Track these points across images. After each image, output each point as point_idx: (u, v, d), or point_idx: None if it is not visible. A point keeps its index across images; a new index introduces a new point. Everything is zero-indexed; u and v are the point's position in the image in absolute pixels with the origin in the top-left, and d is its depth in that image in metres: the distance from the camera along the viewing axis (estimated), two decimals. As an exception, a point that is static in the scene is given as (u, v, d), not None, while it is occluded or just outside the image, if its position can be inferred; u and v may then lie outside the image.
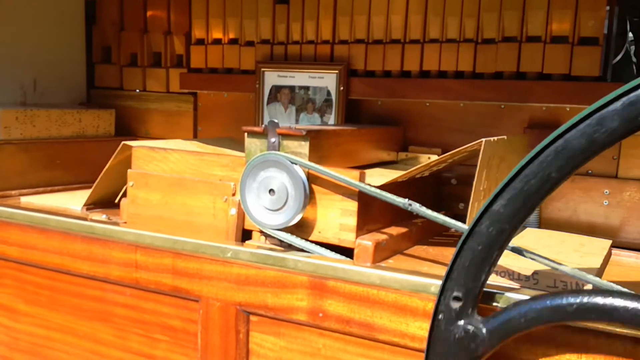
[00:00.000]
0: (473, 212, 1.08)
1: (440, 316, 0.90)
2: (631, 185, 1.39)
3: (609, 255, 1.27)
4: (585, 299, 0.79)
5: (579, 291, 0.81)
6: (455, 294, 0.88)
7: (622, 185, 1.40)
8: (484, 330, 0.87)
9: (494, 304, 0.93)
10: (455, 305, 0.88)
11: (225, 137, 1.74)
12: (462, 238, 0.86)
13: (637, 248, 1.36)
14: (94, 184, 1.48)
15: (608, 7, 1.40)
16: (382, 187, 1.11)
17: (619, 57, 1.70)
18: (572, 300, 0.80)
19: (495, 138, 1.14)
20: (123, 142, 1.41)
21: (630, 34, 1.69)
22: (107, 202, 1.56)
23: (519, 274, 1.04)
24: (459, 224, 1.00)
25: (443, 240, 1.38)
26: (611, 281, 0.98)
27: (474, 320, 0.88)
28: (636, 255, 1.32)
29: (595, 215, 1.43)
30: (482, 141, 1.06)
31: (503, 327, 0.86)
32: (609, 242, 1.29)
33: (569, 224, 1.44)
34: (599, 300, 0.79)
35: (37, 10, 1.94)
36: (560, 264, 0.99)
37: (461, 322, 0.88)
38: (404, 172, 1.20)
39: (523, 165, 0.80)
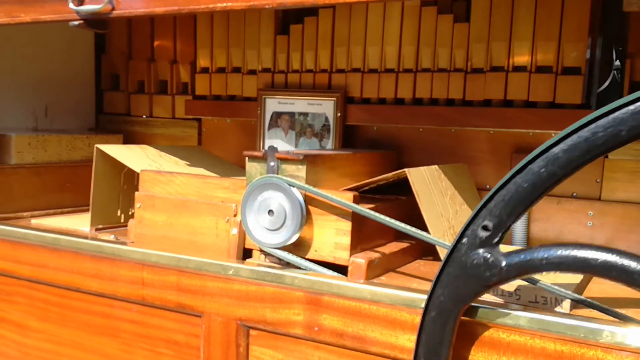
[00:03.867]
0: (437, 235, 1.16)
1: (463, 240, 0.91)
2: (614, 207, 1.46)
3: (591, 273, 1.33)
4: (612, 258, 0.81)
5: (607, 249, 0.83)
6: (486, 223, 0.89)
7: (605, 207, 1.47)
8: (503, 263, 0.88)
9: (476, 318, 0.99)
10: (482, 234, 0.89)
11: (193, 147, 1.82)
12: (510, 174, 0.87)
13: (620, 267, 1.42)
14: (90, 202, 1.56)
15: (590, 38, 1.48)
16: (374, 208, 1.18)
17: (605, 85, 1.77)
18: (598, 255, 0.82)
19: (423, 167, 1.26)
20: (96, 146, 1.50)
21: (617, 62, 1.77)
22: (112, 222, 1.63)
23: (502, 289, 1.10)
24: (442, 242, 1.07)
25: (434, 258, 1.44)
26: (589, 297, 1.04)
27: (495, 251, 0.89)
28: (618, 273, 1.38)
29: (580, 236, 1.49)
30: (405, 170, 1.19)
31: (522, 264, 0.87)
32: (592, 260, 1.35)
33: (556, 244, 1.50)
34: (625, 262, 0.81)
35: (49, 40, 2.03)
36: (540, 280, 1.06)
37: (482, 250, 0.90)
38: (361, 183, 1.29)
39: (594, 118, 0.80)
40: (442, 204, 1.26)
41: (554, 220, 1.51)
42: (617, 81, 1.79)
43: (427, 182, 1.24)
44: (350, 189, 1.29)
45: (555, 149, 0.83)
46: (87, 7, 1.36)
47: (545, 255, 0.85)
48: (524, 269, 0.87)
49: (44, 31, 2.00)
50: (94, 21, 1.39)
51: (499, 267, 0.89)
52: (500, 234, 0.89)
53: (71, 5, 1.37)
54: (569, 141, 0.82)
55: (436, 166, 1.32)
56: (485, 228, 0.89)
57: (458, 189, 1.39)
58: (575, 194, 1.50)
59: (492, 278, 0.89)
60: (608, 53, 1.70)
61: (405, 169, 1.19)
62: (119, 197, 1.63)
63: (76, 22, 1.39)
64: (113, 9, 1.34)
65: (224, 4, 1.20)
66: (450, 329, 0.95)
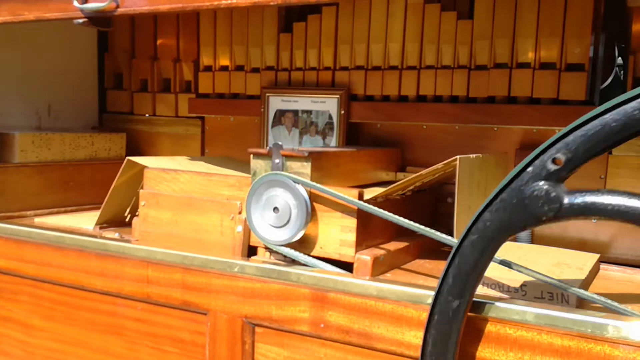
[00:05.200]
0: (460, 228, 1.15)
1: (529, 169, 0.87)
2: (618, 203, 1.45)
3: (596, 269, 1.33)
4: None
5: None
6: (558, 156, 0.84)
7: (609, 203, 1.46)
8: (565, 200, 0.84)
9: (483, 314, 0.99)
10: (551, 166, 0.85)
11: (224, 157, 1.82)
12: (597, 111, 0.82)
13: (625, 263, 1.42)
14: (104, 203, 1.56)
15: (594, 35, 1.48)
16: (379, 205, 1.18)
17: (608, 82, 1.77)
18: None
19: (472, 155, 1.21)
20: (128, 158, 1.48)
21: (619, 59, 1.77)
22: (118, 221, 1.64)
23: (508, 286, 1.10)
24: (449, 238, 1.07)
25: (439, 255, 1.44)
26: (596, 293, 1.04)
27: (559, 187, 0.85)
28: (623, 269, 1.38)
29: (585, 232, 1.49)
30: (457, 158, 1.14)
31: (584, 206, 0.83)
32: (597, 255, 1.35)
33: (560, 240, 1.50)
34: None
35: (52, 39, 2.03)
36: (546, 275, 1.06)
37: (546, 183, 0.85)
38: (385, 189, 1.27)
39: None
40: (474, 197, 1.25)
41: (558, 217, 1.51)
42: (619, 78, 1.79)
43: (469, 173, 1.22)
44: (395, 190, 1.27)
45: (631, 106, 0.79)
46: (91, 5, 1.36)
47: (613, 202, 0.81)
48: (586, 210, 0.82)
49: (47, 29, 2.00)
50: (98, 19, 1.39)
51: (560, 204, 0.84)
52: (570, 170, 0.84)
53: (75, 3, 1.37)
54: None
55: (481, 155, 1.28)
56: (556, 162, 0.84)
57: (494, 182, 1.36)
58: (579, 191, 1.50)
59: (549, 213, 0.84)
60: (610, 50, 1.70)
61: (457, 157, 1.15)
62: (131, 200, 1.63)
63: (80, 20, 1.39)
64: (117, 6, 1.34)
65: (229, 1, 1.20)
66: (486, 257, 0.91)
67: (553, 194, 0.85)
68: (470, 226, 0.92)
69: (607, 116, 0.82)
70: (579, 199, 0.84)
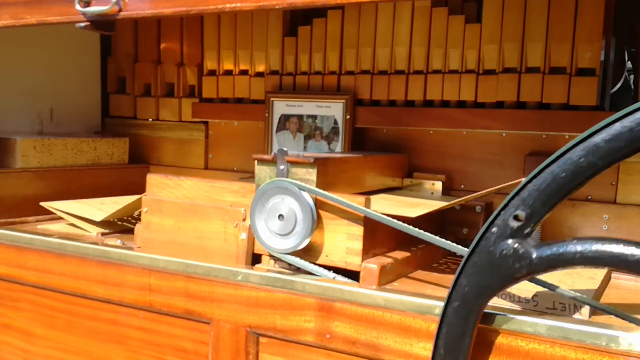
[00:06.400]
0: None
1: (493, 229, 0.87)
2: (629, 210, 1.43)
3: (608, 278, 1.30)
4: None
5: None
6: (518, 212, 0.85)
7: (621, 211, 1.44)
8: (534, 255, 0.85)
9: (494, 325, 0.97)
10: (514, 223, 0.86)
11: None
12: (545, 163, 0.83)
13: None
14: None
15: (605, 39, 1.46)
16: (407, 219, 1.15)
17: (617, 87, 1.75)
18: (636, 251, 0.78)
19: None
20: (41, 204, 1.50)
21: (629, 64, 1.74)
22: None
23: (519, 296, 1.08)
24: (460, 247, 1.05)
25: (447, 264, 1.41)
26: (609, 303, 1.01)
27: (526, 243, 0.85)
28: (635, 278, 1.35)
29: (596, 239, 1.46)
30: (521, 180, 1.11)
31: (554, 257, 0.83)
32: (608, 265, 1.32)
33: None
34: None
35: (54, 43, 2.01)
36: (558, 286, 1.03)
37: (512, 241, 0.86)
38: (445, 204, 1.25)
39: (637, 107, 0.77)
40: None
41: (568, 224, 1.49)
42: (629, 83, 1.77)
43: None
44: (448, 206, 1.24)
45: (596, 138, 0.79)
46: (93, 9, 1.34)
47: (580, 249, 0.81)
48: (556, 262, 0.83)
49: (49, 33, 1.99)
50: (100, 23, 1.37)
51: (529, 259, 0.85)
52: (532, 225, 0.85)
53: (77, 7, 1.35)
54: (611, 130, 0.78)
55: None
56: (517, 218, 0.85)
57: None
58: (590, 197, 1.47)
59: (521, 270, 0.85)
60: (620, 54, 1.68)
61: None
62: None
63: (82, 24, 1.37)
64: (120, 10, 1.32)
65: (233, 5, 1.18)
66: (472, 321, 0.91)
67: (521, 251, 0.86)
68: (450, 293, 0.92)
69: (554, 167, 0.82)
70: (547, 252, 0.84)
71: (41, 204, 1.61)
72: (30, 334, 1.51)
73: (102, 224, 1.60)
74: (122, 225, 1.65)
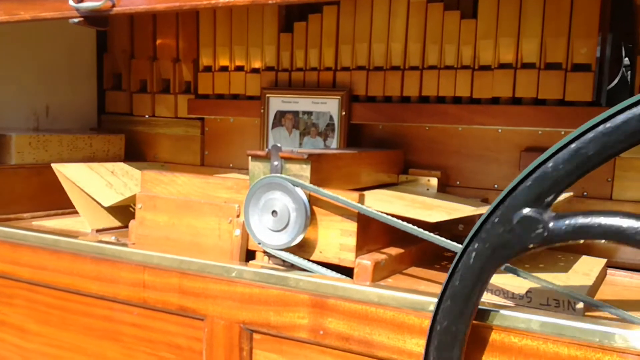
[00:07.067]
0: None
1: (513, 194, 0.85)
2: (625, 206, 1.42)
3: (603, 274, 1.30)
4: None
5: None
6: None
7: (616, 207, 1.43)
8: (551, 225, 0.83)
9: (487, 322, 0.96)
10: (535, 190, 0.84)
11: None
12: (569, 139, 0.81)
13: (633, 268, 1.39)
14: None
15: (600, 35, 1.45)
16: (427, 225, 1.14)
17: (614, 83, 1.74)
18: None
19: None
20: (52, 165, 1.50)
21: (626, 60, 1.74)
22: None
23: (513, 292, 1.07)
24: (453, 243, 1.04)
25: (441, 261, 1.41)
26: (604, 300, 1.01)
27: (546, 212, 0.83)
28: (630, 274, 1.35)
29: (591, 236, 1.46)
30: None
31: (573, 229, 0.81)
32: (604, 260, 1.32)
33: (566, 245, 1.47)
34: None
35: (50, 39, 2.01)
36: (552, 282, 1.03)
37: (531, 209, 0.84)
38: (465, 212, 1.24)
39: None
40: None
41: (564, 221, 1.48)
42: (626, 79, 1.76)
43: None
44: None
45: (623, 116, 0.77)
46: (87, 4, 1.34)
47: (601, 222, 0.79)
48: (575, 234, 0.80)
49: (45, 30, 1.98)
50: (94, 18, 1.36)
51: (546, 229, 0.82)
52: (554, 194, 0.82)
53: (71, 3, 1.35)
54: (616, 120, 0.77)
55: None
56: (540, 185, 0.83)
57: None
58: (585, 193, 1.47)
59: (537, 239, 0.83)
60: (617, 50, 1.67)
61: None
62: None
63: (76, 20, 1.37)
64: (113, 5, 1.31)
65: (227, 0, 1.18)
66: (466, 317, 0.91)
67: (539, 220, 0.83)
68: (460, 255, 0.91)
69: (584, 147, 0.80)
70: (566, 222, 0.82)
71: (52, 165, 1.58)
72: (25, 331, 1.51)
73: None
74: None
